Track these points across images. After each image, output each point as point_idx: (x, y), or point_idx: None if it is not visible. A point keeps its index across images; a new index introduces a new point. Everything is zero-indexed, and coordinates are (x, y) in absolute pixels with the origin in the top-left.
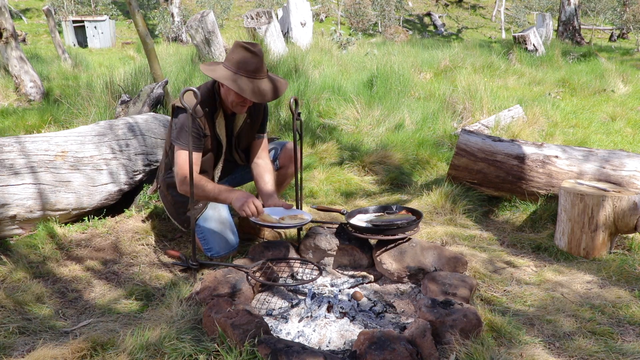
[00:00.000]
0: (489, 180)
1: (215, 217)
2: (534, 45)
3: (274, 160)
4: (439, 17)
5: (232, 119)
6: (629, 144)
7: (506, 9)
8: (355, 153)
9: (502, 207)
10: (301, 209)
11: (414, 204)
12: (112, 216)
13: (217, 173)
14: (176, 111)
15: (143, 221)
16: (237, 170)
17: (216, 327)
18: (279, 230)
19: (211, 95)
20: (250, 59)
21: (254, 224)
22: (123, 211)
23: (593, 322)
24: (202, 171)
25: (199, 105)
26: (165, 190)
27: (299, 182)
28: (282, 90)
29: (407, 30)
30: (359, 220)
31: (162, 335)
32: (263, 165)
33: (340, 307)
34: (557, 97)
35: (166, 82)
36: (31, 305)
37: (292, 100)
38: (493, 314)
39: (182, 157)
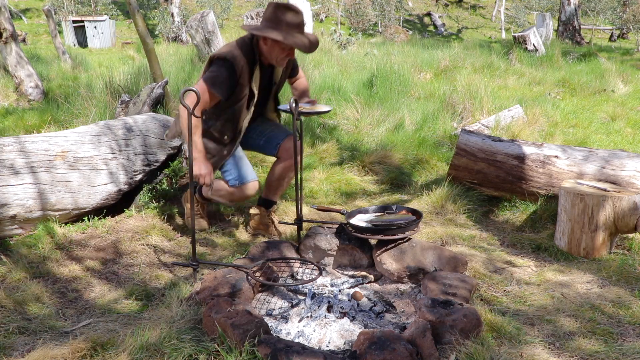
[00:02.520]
0: (489, 180)
1: (238, 154)
2: (534, 45)
3: (275, 148)
4: (439, 17)
5: (271, 71)
6: (629, 144)
7: (506, 9)
8: (355, 153)
9: (502, 207)
10: (301, 209)
11: (414, 204)
12: (112, 216)
13: (245, 124)
14: (220, 61)
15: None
16: (255, 128)
17: (216, 327)
18: (310, 115)
19: (250, 49)
20: (295, 16)
21: (283, 110)
22: (123, 211)
23: (593, 322)
24: (228, 120)
25: (240, 56)
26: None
27: (299, 182)
28: (317, 42)
29: (407, 30)
30: (359, 220)
31: (162, 335)
32: (300, 84)
33: (340, 307)
34: (557, 97)
35: (166, 82)
36: (31, 305)
37: (292, 100)
38: (493, 314)
39: (199, 94)
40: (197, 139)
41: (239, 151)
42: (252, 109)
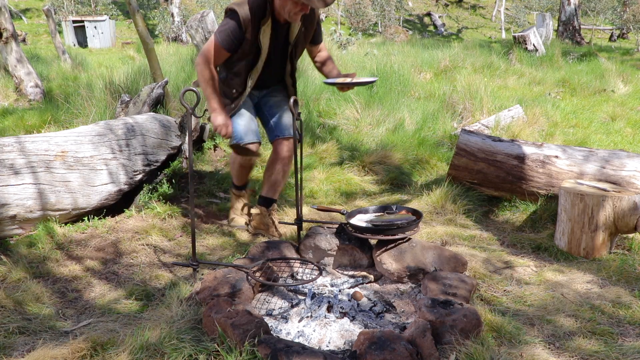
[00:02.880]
0: (489, 180)
1: (244, 114)
2: (534, 45)
3: (273, 137)
4: (439, 17)
5: (286, 28)
6: (629, 144)
7: (506, 9)
8: (355, 153)
9: (502, 207)
10: (301, 209)
11: (414, 204)
12: (112, 216)
13: (251, 80)
14: (229, 13)
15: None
16: (272, 93)
17: (216, 327)
18: (349, 84)
19: (262, 3)
20: None
21: (329, 84)
22: (123, 211)
23: (593, 322)
24: (237, 74)
25: (249, 8)
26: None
27: (299, 182)
28: None
29: (407, 30)
30: (359, 220)
31: (162, 335)
32: (323, 57)
33: (340, 307)
34: (557, 97)
35: (166, 82)
36: (31, 305)
37: (291, 100)
38: (493, 314)
39: (211, 45)
40: (214, 91)
41: (246, 110)
42: (261, 64)
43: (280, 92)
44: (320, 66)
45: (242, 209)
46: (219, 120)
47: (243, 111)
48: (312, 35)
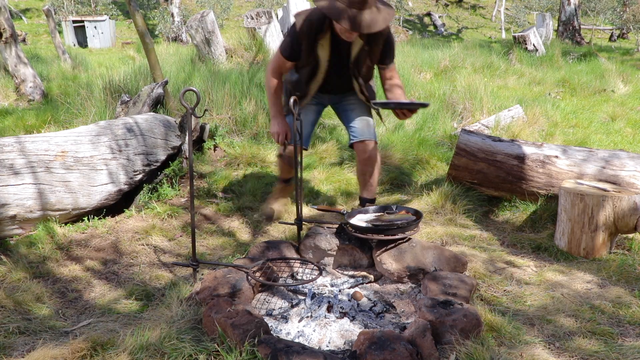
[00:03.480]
0: (489, 180)
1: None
2: (534, 45)
3: (351, 139)
4: (439, 17)
5: (348, 45)
6: (629, 144)
7: (506, 9)
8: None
9: (502, 207)
10: (301, 209)
11: (414, 204)
12: (112, 216)
13: (312, 89)
14: (293, 23)
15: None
16: (347, 99)
17: (216, 327)
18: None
19: (322, 17)
20: None
21: (379, 105)
22: (123, 211)
23: (593, 322)
24: (300, 79)
25: (307, 21)
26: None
27: (299, 182)
28: (381, 24)
29: (407, 30)
30: (359, 220)
31: (162, 335)
32: (391, 84)
33: (340, 307)
34: (557, 97)
35: (166, 82)
36: (31, 305)
37: (292, 100)
38: (493, 314)
39: (276, 53)
40: (275, 99)
41: (306, 115)
42: (321, 76)
43: (355, 97)
44: (387, 93)
45: (282, 202)
46: (274, 127)
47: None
48: (378, 56)
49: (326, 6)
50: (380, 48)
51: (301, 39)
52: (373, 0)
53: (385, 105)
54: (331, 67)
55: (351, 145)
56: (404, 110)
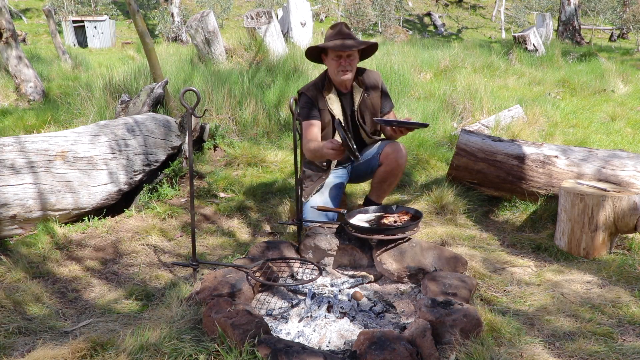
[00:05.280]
0: (489, 180)
1: (316, 202)
2: (534, 45)
3: (377, 160)
4: (439, 17)
5: (350, 96)
6: (629, 144)
7: (506, 9)
8: None
9: (502, 207)
10: (302, 209)
11: (414, 204)
12: (112, 216)
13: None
14: (299, 95)
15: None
16: (363, 150)
17: (216, 327)
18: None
19: (322, 77)
20: (334, 27)
21: (381, 122)
22: (123, 211)
23: (593, 322)
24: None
25: (311, 84)
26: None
27: (299, 182)
28: (368, 43)
29: (407, 30)
30: (359, 220)
31: (162, 335)
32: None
33: (340, 307)
34: (557, 97)
35: (166, 82)
36: (31, 305)
37: (292, 100)
38: (493, 314)
39: (303, 130)
40: (315, 145)
41: (331, 187)
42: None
43: (367, 147)
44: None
45: None
46: (329, 145)
47: (324, 190)
48: (379, 104)
49: (317, 42)
50: (380, 95)
51: (314, 98)
52: (351, 33)
53: (387, 123)
54: (346, 120)
55: (379, 160)
56: (402, 128)
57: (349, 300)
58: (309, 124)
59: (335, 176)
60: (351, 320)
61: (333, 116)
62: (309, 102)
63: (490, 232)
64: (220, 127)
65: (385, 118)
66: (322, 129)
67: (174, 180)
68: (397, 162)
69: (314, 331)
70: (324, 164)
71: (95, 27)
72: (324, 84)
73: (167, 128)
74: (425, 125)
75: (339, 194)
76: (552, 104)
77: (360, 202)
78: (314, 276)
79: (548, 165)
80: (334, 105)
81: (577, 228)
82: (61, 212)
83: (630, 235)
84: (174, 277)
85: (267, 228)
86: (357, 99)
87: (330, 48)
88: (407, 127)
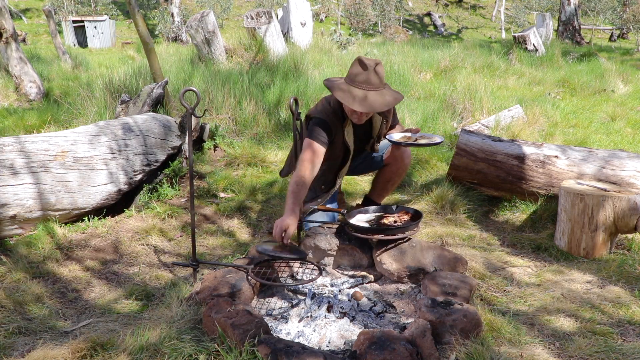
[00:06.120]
0: (489, 180)
1: (318, 217)
2: (534, 45)
3: (381, 160)
4: (439, 17)
5: (369, 126)
6: (629, 144)
7: (506, 9)
8: None
9: (502, 207)
10: (301, 209)
11: (414, 204)
12: (112, 216)
13: (341, 177)
14: (313, 119)
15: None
16: (360, 157)
17: (216, 327)
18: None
19: (338, 106)
20: (361, 71)
21: (395, 142)
22: (123, 211)
23: (593, 322)
24: (328, 171)
25: (330, 113)
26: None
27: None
28: (391, 103)
29: (407, 30)
30: (359, 220)
31: (162, 335)
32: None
33: (340, 307)
34: (557, 97)
35: (166, 82)
36: (31, 305)
37: (292, 100)
38: (493, 314)
39: (308, 147)
40: (299, 191)
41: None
42: (349, 162)
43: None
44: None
45: None
46: (282, 220)
47: (320, 214)
48: (390, 122)
49: (336, 88)
50: (390, 116)
51: (332, 130)
52: (377, 80)
53: (400, 144)
54: (355, 150)
55: (383, 161)
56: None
57: (349, 300)
58: (315, 146)
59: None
60: (351, 320)
61: (348, 150)
62: (327, 129)
63: (490, 232)
64: (220, 127)
65: (393, 133)
66: (326, 159)
67: (174, 180)
68: (404, 162)
69: (314, 331)
70: (323, 186)
71: (95, 27)
72: (343, 116)
73: (167, 128)
74: (439, 143)
75: (334, 195)
76: (552, 104)
77: (360, 202)
78: (314, 276)
79: (548, 165)
80: (350, 137)
81: (577, 228)
82: (61, 212)
83: (630, 235)
84: (174, 277)
85: (267, 228)
86: (377, 127)
87: (350, 106)
88: (419, 147)
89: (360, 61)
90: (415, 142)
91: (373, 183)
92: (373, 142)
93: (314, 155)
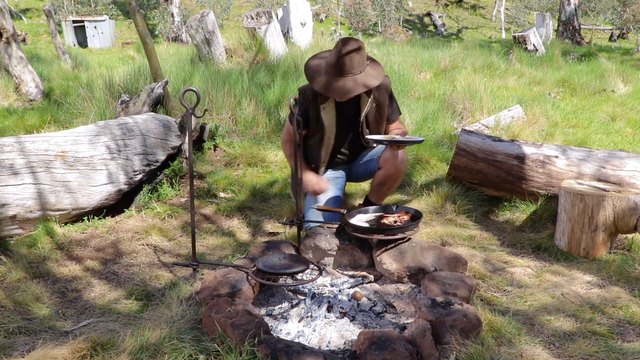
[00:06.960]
0: (489, 180)
1: (321, 200)
2: (534, 45)
3: (376, 163)
4: (439, 17)
5: (354, 103)
6: (629, 144)
7: (506, 9)
8: None
9: (502, 207)
10: (302, 209)
11: (414, 204)
12: (112, 216)
13: (326, 154)
14: (299, 94)
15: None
16: (362, 155)
17: (216, 327)
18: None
19: None
20: (334, 56)
21: (374, 141)
22: (123, 211)
23: (593, 322)
24: (313, 149)
25: (309, 88)
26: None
27: (298, 182)
28: (370, 84)
29: (407, 30)
30: (359, 220)
31: (162, 335)
32: (398, 133)
33: (340, 307)
34: (557, 97)
35: (166, 82)
36: (31, 305)
37: (292, 100)
38: (493, 314)
39: (286, 128)
40: (291, 155)
41: (333, 184)
42: (332, 139)
43: (368, 150)
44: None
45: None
46: (309, 177)
47: (322, 195)
48: (387, 112)
49: (312, 73)
50: (388, 103)
51: (307, 106)
52: (353, 65)
53: (379, 142)
54: (340, 130)
55: (378, 163)
56: (396, 145)
57: (349, 300)
58: (287, 125)
59: (334, 177)
60: (351, 320)
61: (323, 128)
62: (301, 102)
63: (490, 232)
64: (220, 127)
65: (380, 136)
66: (307, 136)
67: (173, 180)
68: (397, 167)
69: (314, 331)
70: (312, 165)
71: (95, 27)
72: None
73: (167, 128)
74: (420, 141)
75: (340, 197)
76: (552, 104)
77: (361, 202)
78: (314, 276)
79: (548, 165)
80: (327, 115)
81: (577, 228)
82: (61, 212)
83: (630, 235)
84: (174, 277)
85: (267, 228)
86: (365, 108)
87: (318, 90)
88: (400, 144)
89: (337, 45)
90: (393, 140)
91: (371, 185)
92: (362, 125)
93: (287, 134)
